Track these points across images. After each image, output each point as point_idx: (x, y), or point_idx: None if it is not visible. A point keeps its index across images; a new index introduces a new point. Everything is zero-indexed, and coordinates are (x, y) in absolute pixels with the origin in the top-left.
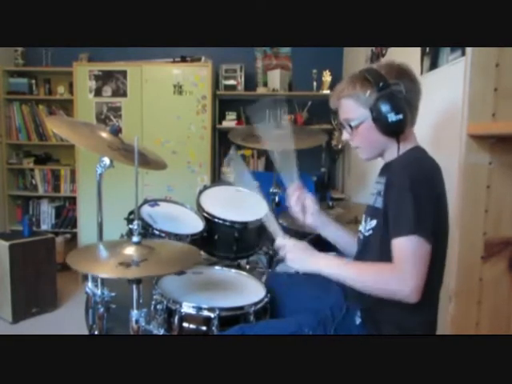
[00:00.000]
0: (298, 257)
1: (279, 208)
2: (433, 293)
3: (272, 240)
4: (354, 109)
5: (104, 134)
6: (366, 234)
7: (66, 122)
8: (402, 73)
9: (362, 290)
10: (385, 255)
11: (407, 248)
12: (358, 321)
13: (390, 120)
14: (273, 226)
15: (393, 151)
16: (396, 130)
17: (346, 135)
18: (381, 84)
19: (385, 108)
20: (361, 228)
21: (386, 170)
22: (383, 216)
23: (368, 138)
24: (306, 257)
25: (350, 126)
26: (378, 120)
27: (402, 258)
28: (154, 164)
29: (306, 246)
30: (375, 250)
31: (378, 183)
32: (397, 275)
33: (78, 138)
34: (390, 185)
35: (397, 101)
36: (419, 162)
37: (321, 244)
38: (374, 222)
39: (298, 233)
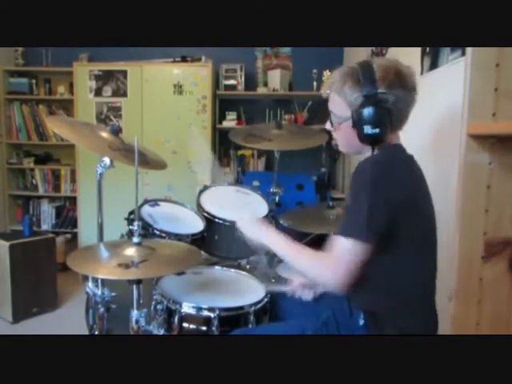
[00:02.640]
0: (250, 227)
1: (279, 208)
2: (425, 293)
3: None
4: (339, 105)
5: (104, 134)
6: None
7: (66, 122)
8: (397, 81)
9: (296, 269)
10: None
11: (337, 247)
12: (361, 322)
13: (365, 132)
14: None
15: (369, 153)
16: (371, 142)
17: (328, 125)
18: (369, 90)
19: (364, 118)
20: None
21: None
22: None
23: (346, 137)
24: (258, 229)
25: (332, 121)
26: (356, 127)
27: (334, 253)
28: (154, 164)
29: (261, 220)
30: None
31: None
32: (327, 268)
33: (78, 137)
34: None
35: (378, 113)
36: (379, 164)
37: (321, 244)
38: None
39: (299, 233)
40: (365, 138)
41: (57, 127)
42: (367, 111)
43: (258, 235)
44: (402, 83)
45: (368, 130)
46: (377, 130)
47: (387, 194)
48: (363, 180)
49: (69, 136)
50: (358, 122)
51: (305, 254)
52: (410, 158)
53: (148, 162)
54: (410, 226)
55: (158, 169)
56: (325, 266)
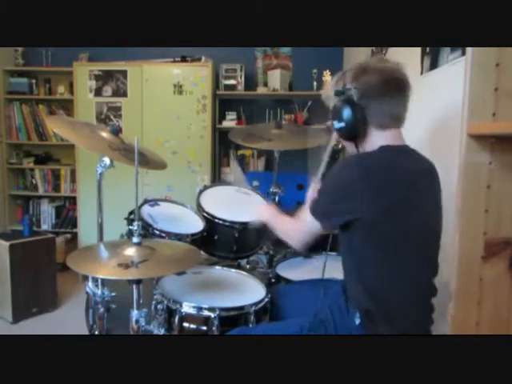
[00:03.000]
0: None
1: (279, 208)
2: (420, 293)
3: (272, 240)
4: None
5: (104, 134)
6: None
7: (66, 122)
8: (363, 75)
9: (275, 230)
10: (348, 250)
11: (303, 217)
12: (357, 321)
13: (334, 127)
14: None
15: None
16: (344, 136)
17: None
18: (337, 90)
19: (332, 115)
20: None
21: None
22: None
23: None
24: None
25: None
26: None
27: (299, 220)
28: (154, 164)
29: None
30: (342, 247)
31: None
32: (292, 231)
33: (78, 137)
34: None
35: (341, 108)
36: (359, 165)
37: (321, 244)
38: None
39: None
40: (337, 134)
41: (57, 127)
42: (333, 107)
43: (259, 212)
44: (369, 77)
45: (336, 124)
46: (342, 124)
47: (358, 194)
48: (341, 174)
49: (69, 136)
50: (332, 121)
51: (281, 219)
52: (403, 162)
53: (148, 162)
54: (398, 227)
55: (158, 169)
56: (289, 229)
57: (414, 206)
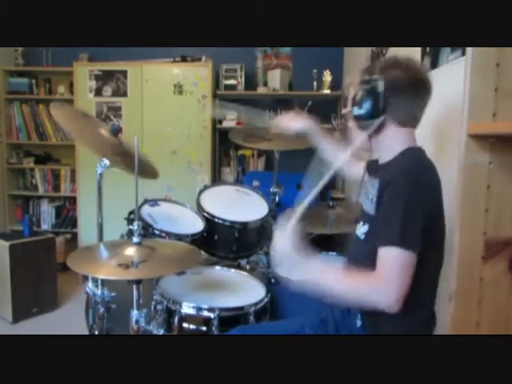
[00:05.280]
0: (286, 266)
1: (279, 208)
2: (427, 296)
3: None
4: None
5: (104, 134)
6: (361, 237)
7: (70, 113)
8: (392, 69)
9: (341, 298)
10: (375, 261)
11: (390, 259)
12: (358, 323)
13: (353, 113)
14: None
15: (386, 152)
16: (361, 124)
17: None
18: (364, 79)
19: (355, 103)
20: (356, 229)
21: (380, 171)
22: (375, 222)
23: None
24: (294, 266)
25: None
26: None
27: (385, 268)
28: (146, 174)
29: (296, 254)
30: (366, 254)
31: (371, 186)
32: (379, 285)
33: (79, 132)
34: (383, 190)
35: (365, 96)
36: (419, 170)
37: (321, 244)
38: (366, 227)
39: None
40: (355, 121)
41: (59, 117)
42: (360, 96)
43: (294, 271)
44: (399, 71)
45: (355, 110)
46: (361, 111)
47: (421, 203)
48: (398, 190)
49: (70, 128)
50: (352, 107)
51: (346, 279)
52: (431, 162)
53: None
54: (432, 231)
55: (149, 178)
56: (371, 285)
57: (442, 215)
